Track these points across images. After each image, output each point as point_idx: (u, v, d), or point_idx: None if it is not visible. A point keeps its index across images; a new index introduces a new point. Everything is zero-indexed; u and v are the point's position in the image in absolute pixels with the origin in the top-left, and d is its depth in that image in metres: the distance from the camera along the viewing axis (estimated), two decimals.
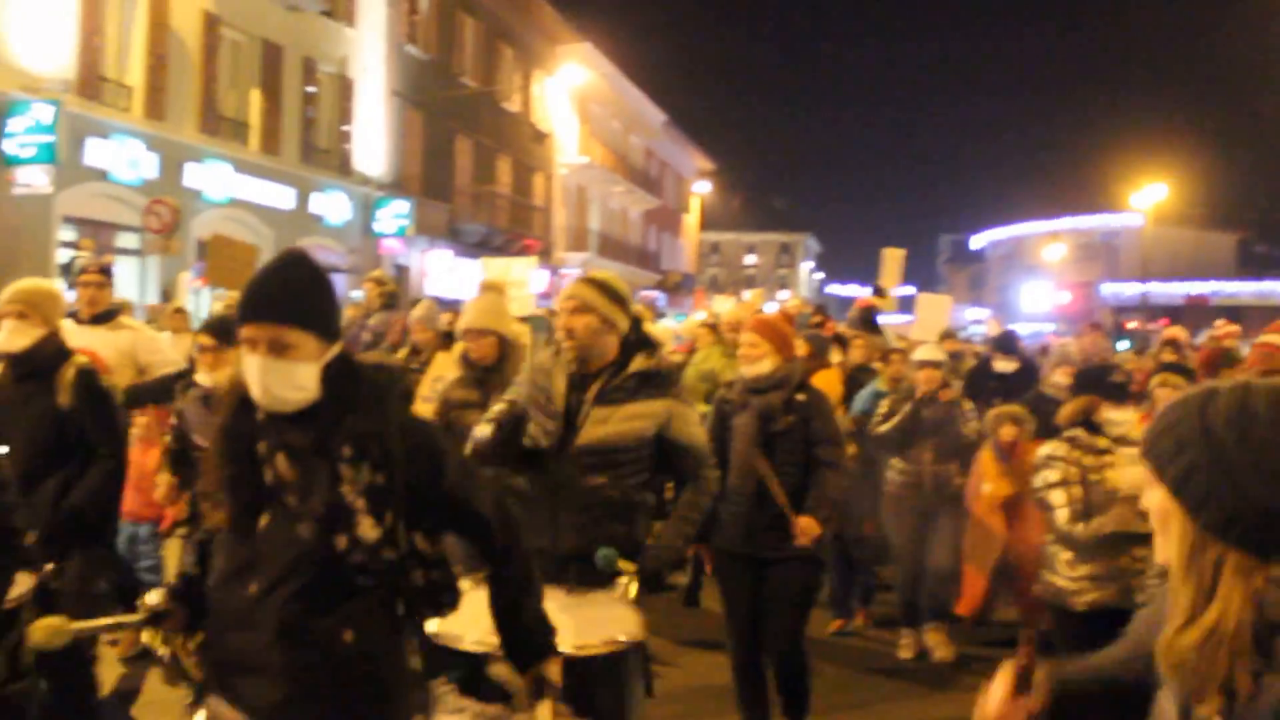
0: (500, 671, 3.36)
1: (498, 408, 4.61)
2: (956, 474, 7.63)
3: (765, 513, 5.44)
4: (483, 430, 4.55)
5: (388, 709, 2.80)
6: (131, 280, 20.25)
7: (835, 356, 9.71)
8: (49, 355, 4.94)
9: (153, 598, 2.93)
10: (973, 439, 7.63)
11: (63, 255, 18.54)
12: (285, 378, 2.70)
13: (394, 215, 28.51)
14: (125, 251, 20.35)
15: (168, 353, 6.93)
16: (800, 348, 8.68)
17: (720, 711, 6.02)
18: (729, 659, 5.73)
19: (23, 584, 4.16)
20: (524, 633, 3.02)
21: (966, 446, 7.60)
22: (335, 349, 2.78)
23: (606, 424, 4.35)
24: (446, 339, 8.63)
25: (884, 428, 7.62)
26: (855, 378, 9.19)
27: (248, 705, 2.74)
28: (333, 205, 26.73)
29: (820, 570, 5.82)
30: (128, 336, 6.34)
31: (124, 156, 19.76)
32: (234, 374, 2.85)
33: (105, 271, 6.41)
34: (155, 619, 2.90)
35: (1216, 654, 1.61)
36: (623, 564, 4.13)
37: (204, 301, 19.00)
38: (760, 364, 5.56)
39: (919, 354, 7.86)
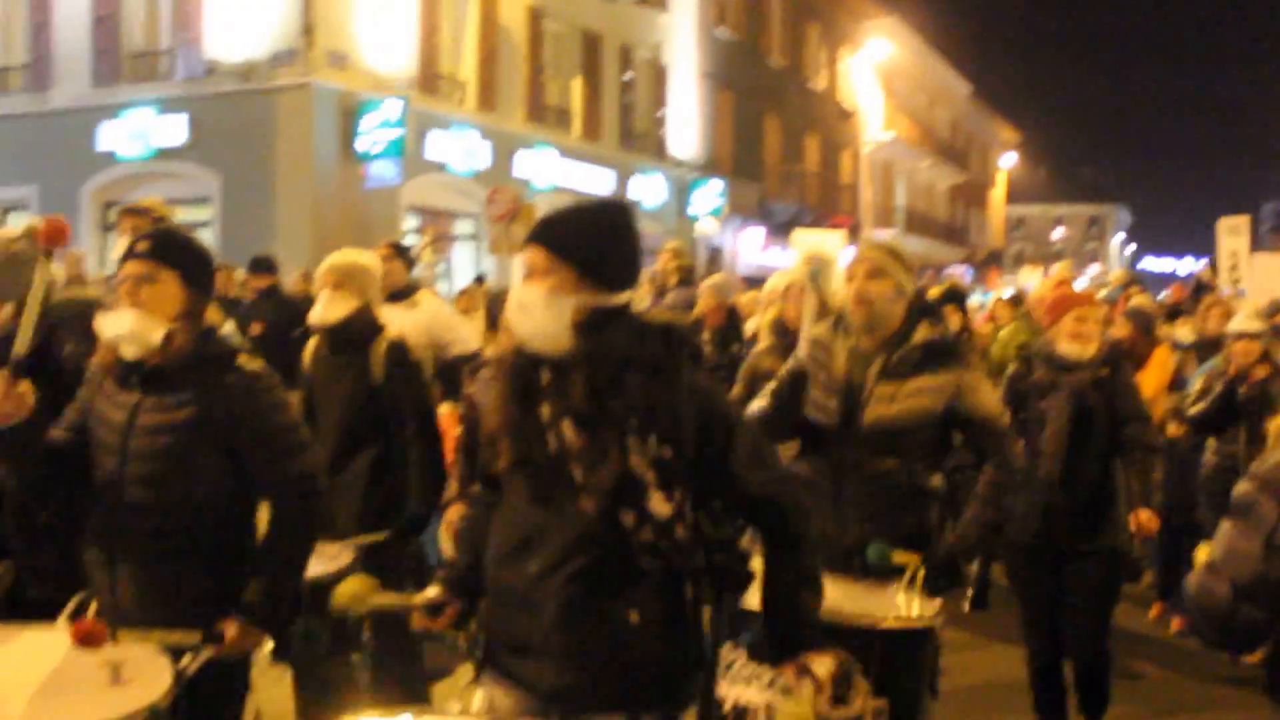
0: None
1: (774, 383, 4.38)
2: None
3: (1069, 502, 5.05)
4: (759, 404, 4.35)
5: (670, 691, 2.67)
6: (469, 265, 21.26)
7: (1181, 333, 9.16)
8: (362, 328, 4.93)
9: (431, 591, 2.91)
10: None
11: (409, 243, 19.64)
12: (536, 307, 2.58)
13: (708, 196, 28.82)
14: (463, 238, 21.41)
15: (462, 331, 6.92)
16: (1121, 327, 8.14)
17: (1008, 710, 5.70)
18: (1025, 657, 5.38)
19: (343, 557, 4.23)
20: (791, 626, 2.75)
21: None
22: (610, 299, 2.60)
23: (894, 401, 4.01)
24: (729, 315, 8.54)
25: (1195, 409, 6.88)
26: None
27: (527, 687, 2.66)
28: (650, 188, 27.23)
29: (1121, 565, 5.36)
30: (426, 314, 6.35)
31: (461, 147, 20.80)
32: None
33: (397, 248, 6.44)
34: (434, 610, 2.87)
35: None
36: (902, 556, 3.85)
37: None
38: (1092, 344, 5.13)
39: (1234, 324, 7.05)
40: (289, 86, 18.33)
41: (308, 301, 9.73)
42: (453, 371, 6.47)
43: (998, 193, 62.92)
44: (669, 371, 2.58)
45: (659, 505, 2.52)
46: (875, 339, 4.08)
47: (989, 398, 4.18)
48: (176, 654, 2.90)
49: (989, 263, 50.44)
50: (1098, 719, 5.25)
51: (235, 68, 18.70)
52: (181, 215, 17.32)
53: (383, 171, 18.50)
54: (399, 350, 4.94)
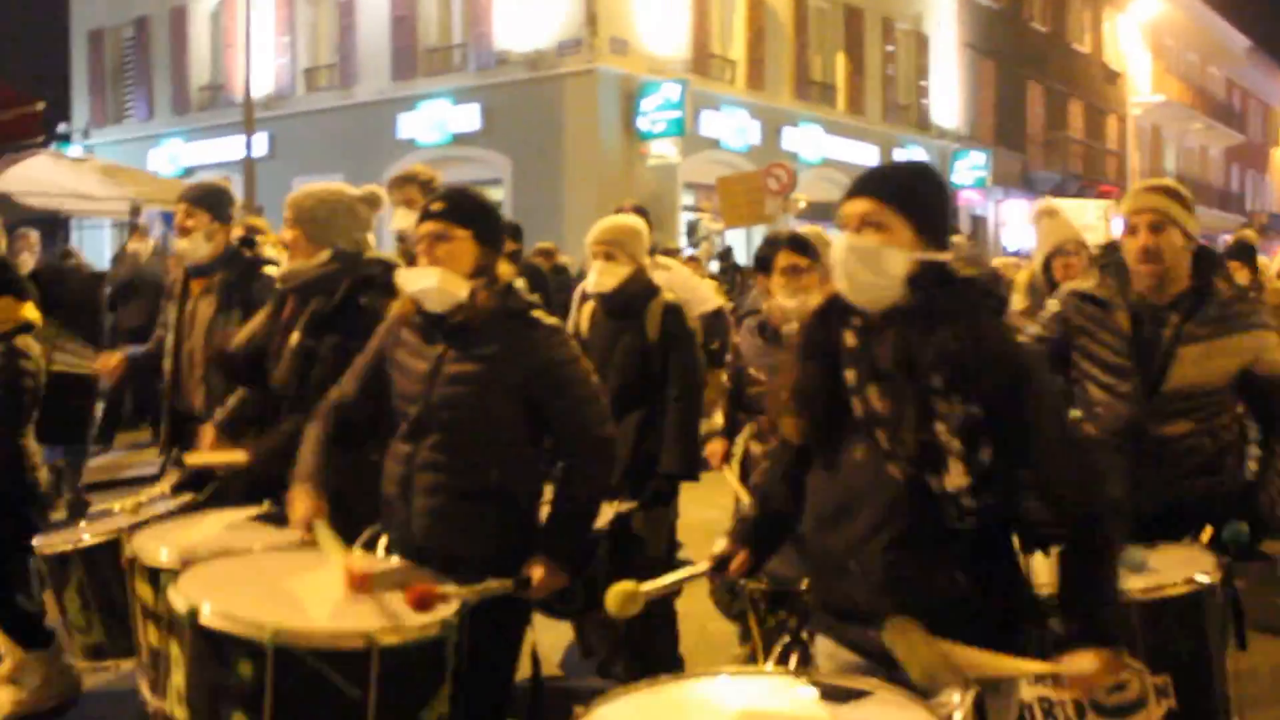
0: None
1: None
2: None
3: None
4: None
5: (1005, 649, 2.49)
6: (739, 238, 22.02)
7: None
8: (637, 292, 5.00)
9: (718, 545, 2.91)
10: None
11: (684, 218, 20.61)
12: (869, 259, 2.53)
13: (971, 167, 28.72)
14: None
15: (703, 290, 7.03)
16: None
17: None
18: None
19: (604, 515, 4.25)
20: (1085, 618, 2.52)
21: None
22: (934, 255, 2.56)
23: (1199, 364, 3.73)
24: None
25: None
26: None
27: (862, 651, 2.62)
28: (913, 160, 27.32)
29: None
30: (663, 276, 6.26)
31: (732, 125, 21.66)
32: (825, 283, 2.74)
33: (637, 210, 6.38)
34: (720, 565, 2.89)
35: None
36: (1243, 527, 3.62)
37: None
38: None
39: None
40: (574, 73, 19.56)
41: (558, 272, 10.48)
42: (707, 328, 6.59)
43: None
44: (977, 326, 2.51)
45: (960, 475, 2.46)
46: (1166, 295, 3.81)
47: None
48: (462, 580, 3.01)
49: (1271, 228, 47.90)
50: None
51: (524, 58, 20.02)
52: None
53: (663, 150, 19.47)
54: (675, 312, 5.02)
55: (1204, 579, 3.25)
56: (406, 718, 2.82)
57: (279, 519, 3.77)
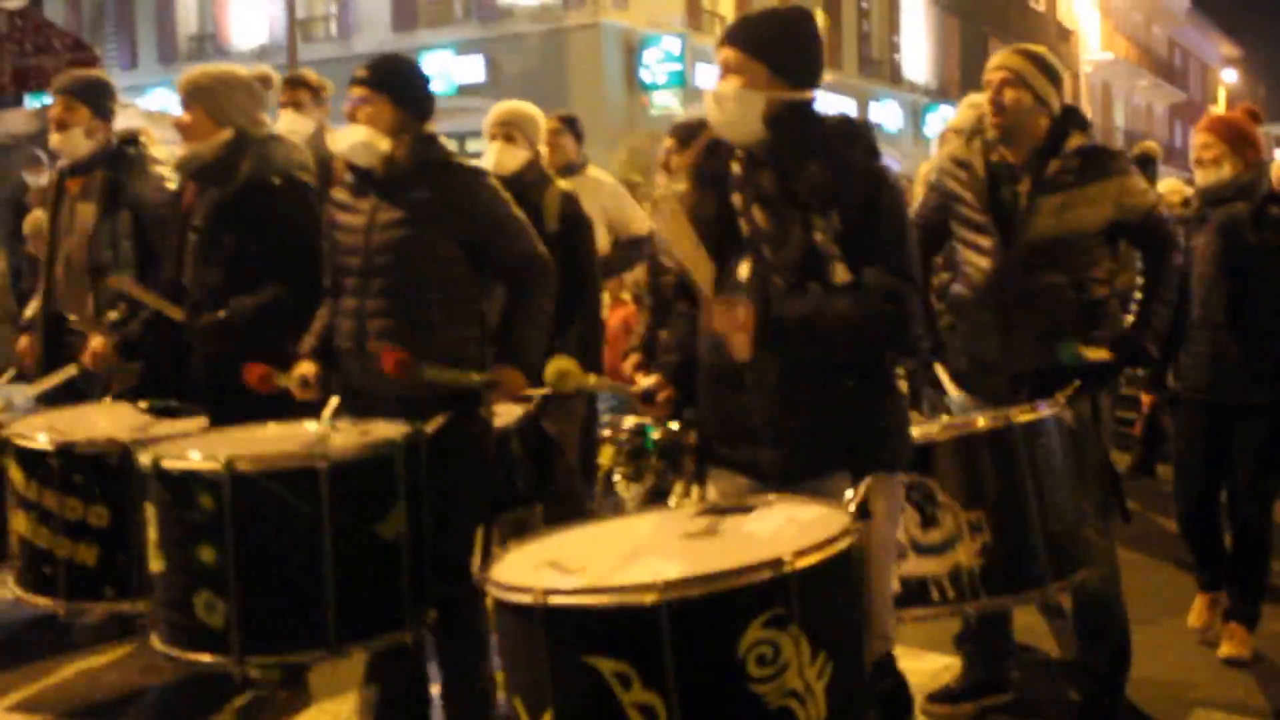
0: None
1: (918, 206, 4.17)
2: None
3: (1232, 351, 4.51)
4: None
5: (889, 451, 2.81)
6: None
7: None
8: (533, 180, 4.81)
9: (649, 379, 3.04)
10: None
11: None
12: (731, 100, 2.76)
13: (944, 119, 29.72)
14: None
15: (636, 212, 6.63)
16: None
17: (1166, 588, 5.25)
18: (1177, 519, 4.94)
19: (517, 410, 4.27)
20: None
21: None
22: (796, 95, 2.80)
23: (1057, 215, 3.72)
24: None
25: None
26: None
27: (747, 466, 2.82)
28: (887, 114, 28.44)
29: None
30: (601, 189, 5.98)
31: None
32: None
33: (568, 121, 6.13)
34: (648, 396, 2.99)
35: None
36: (1095, 352, 3.69)
37: None
38: (1218, 169, 4.53)
39: None
40: (578, 26, 20.33)
41: None
42: (625, 253, 6.17)
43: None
44: (846, 160, 2.76)
45: (841, 275, 2.69)
46: (1020, 153, 3.82)
47: (1150, 196, 3.91)
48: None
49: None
50: (1248, 607, 4.59)
51: (528, 11, 20.75)
52: (481, 146, 19.47)
53: (665, 101, 20.35)
54: (571, 201, 4.89)
55: (1010, 418, 3.47)
56: (362, 531, 3.06)
57: (167, 413, 4.07)
